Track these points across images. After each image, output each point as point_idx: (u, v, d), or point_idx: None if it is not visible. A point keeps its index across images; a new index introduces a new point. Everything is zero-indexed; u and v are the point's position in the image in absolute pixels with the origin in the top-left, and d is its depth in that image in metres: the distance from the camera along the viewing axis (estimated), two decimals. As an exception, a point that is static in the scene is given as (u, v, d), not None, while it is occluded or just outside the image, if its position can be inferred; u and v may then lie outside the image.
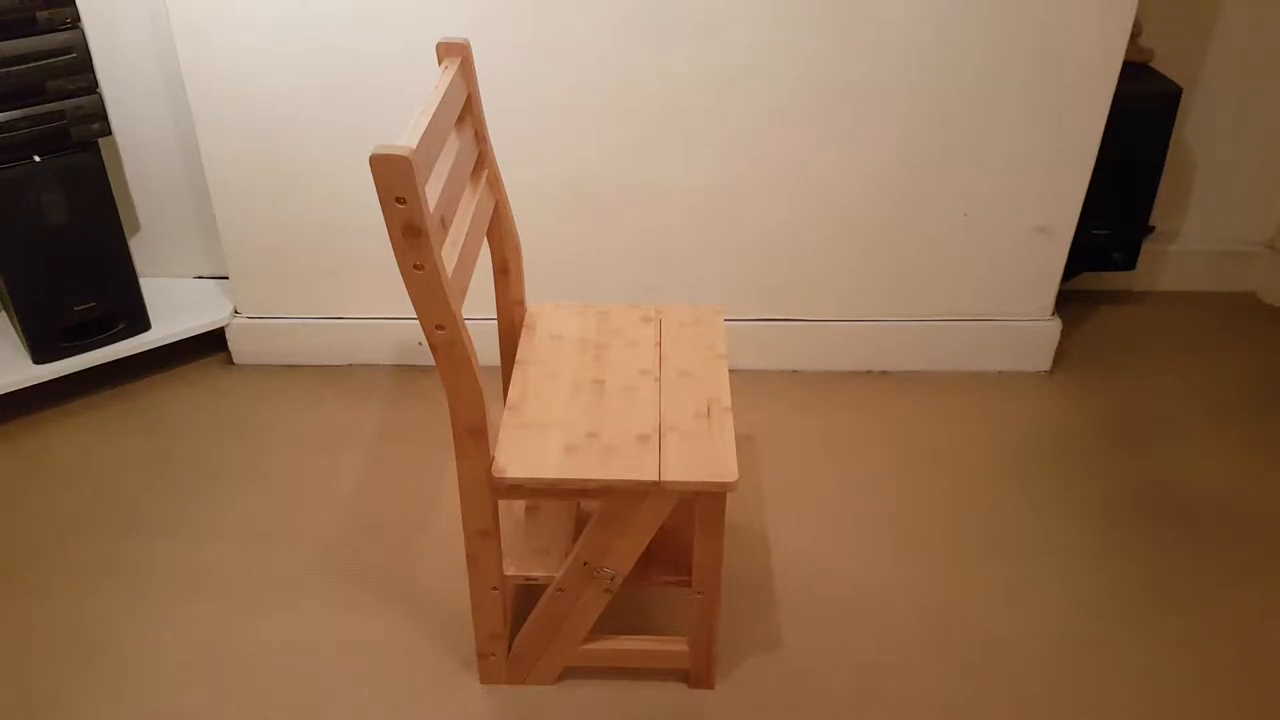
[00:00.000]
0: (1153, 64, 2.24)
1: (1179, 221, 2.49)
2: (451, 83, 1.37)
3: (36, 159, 1.92)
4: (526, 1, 1.89)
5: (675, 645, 1.53)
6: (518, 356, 1.58)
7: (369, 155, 1.10)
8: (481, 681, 1.56)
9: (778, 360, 2.27)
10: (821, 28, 1.90)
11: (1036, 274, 2.16)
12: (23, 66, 1.87)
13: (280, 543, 1.82)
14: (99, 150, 2.00)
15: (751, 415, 2.13)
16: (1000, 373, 2.26)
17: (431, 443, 2.06)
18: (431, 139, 1.23)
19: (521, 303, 1.68)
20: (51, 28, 1.87)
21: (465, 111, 1.46)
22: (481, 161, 1.52)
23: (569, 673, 1.57)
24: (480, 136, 1.51)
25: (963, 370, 2.26)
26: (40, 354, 2.07)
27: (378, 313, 2.24)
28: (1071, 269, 2.25)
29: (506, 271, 1.64)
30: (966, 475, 1.97)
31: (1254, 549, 1.80)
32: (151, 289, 2.26)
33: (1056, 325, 2.22)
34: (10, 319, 2.14)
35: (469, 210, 1.43)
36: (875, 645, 1.62)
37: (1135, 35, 2.14)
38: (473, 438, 1.30)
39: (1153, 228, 2.42)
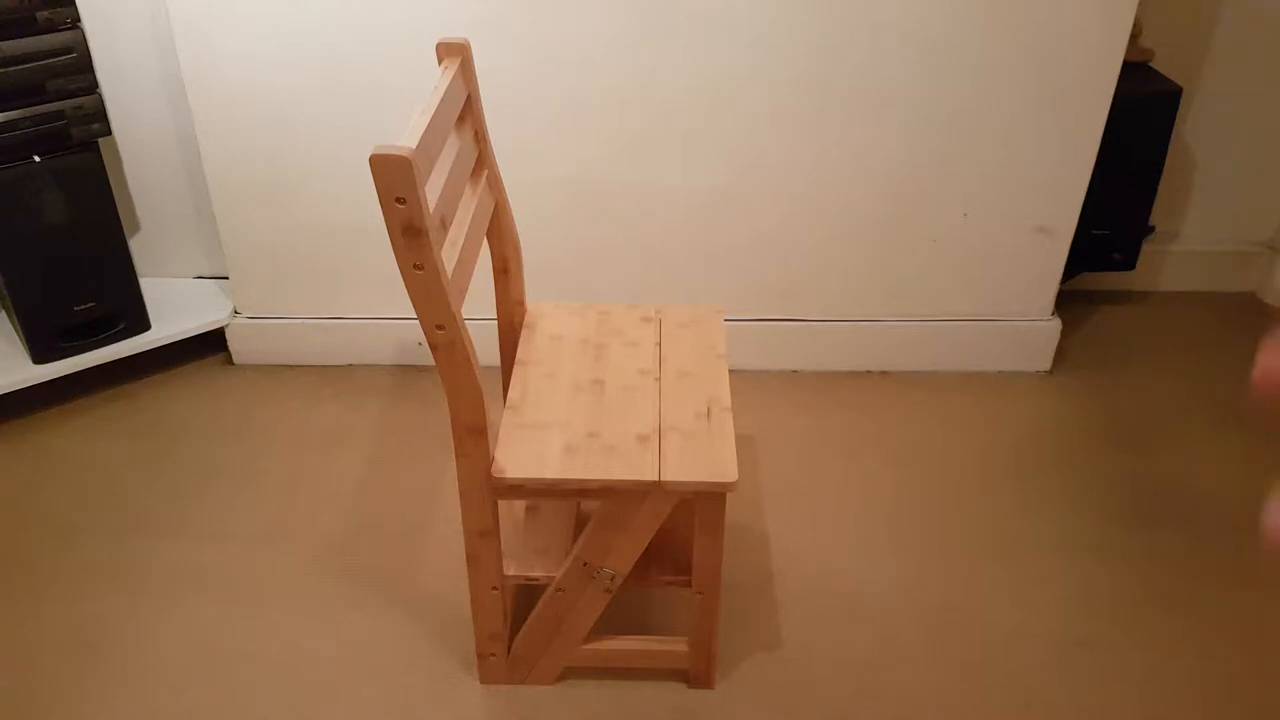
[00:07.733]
0: (1153, 64, 2.24)
1: (1179, 221, 2.49)
2: (451, 83, 1.37)
3: (36, 159, 1.92)
4: (526, 1, 1.89)
5: (675, 645, 1.53)
6: (518, 356, 1.58)
7: (369, 155, 1.10)
8: (481, 681, 1.56)
9: (778, 360, 2.27)
10: (821, 27, 1.90)
11: (1036, 274, 2.16)
12: (23, 66, 1.87)
13: (280, 543, 1.82)
14: (99, 150, 2.00)
15: (751, 415, 2.13)
16: (1000, 373, 2.26)
17: (431, 443, 2.06)
18: (431, 139, 1.23)
19: (521, 303, 1.68)
20: (51, 28, 1.87)
21: (465, 111, 1.46)
22: (481, 161, 1.52)
23: (569, 673, 1.57)
24: (480, 136, 1.51)
25: (963, 370, 2.26)
26: (40, 354, 2.07)
27: (377, 313, 2.24)
28: (1071, 269, 2.25)
29: (506, 271, 1.64)
30: (966, 475, 1.97)
31: (1254, 549, 1.80)
32: (151, 289, 2.26)
33: (1056, 325, 2.22)
34: (10, 319, 2.14)
35: (469, 210, 1.43)
36: (875, 645, 1.62)
37: (1135, 35, 2.14)
38: (473, 438, 1.30)
39: (1153, 228, 2.42)
